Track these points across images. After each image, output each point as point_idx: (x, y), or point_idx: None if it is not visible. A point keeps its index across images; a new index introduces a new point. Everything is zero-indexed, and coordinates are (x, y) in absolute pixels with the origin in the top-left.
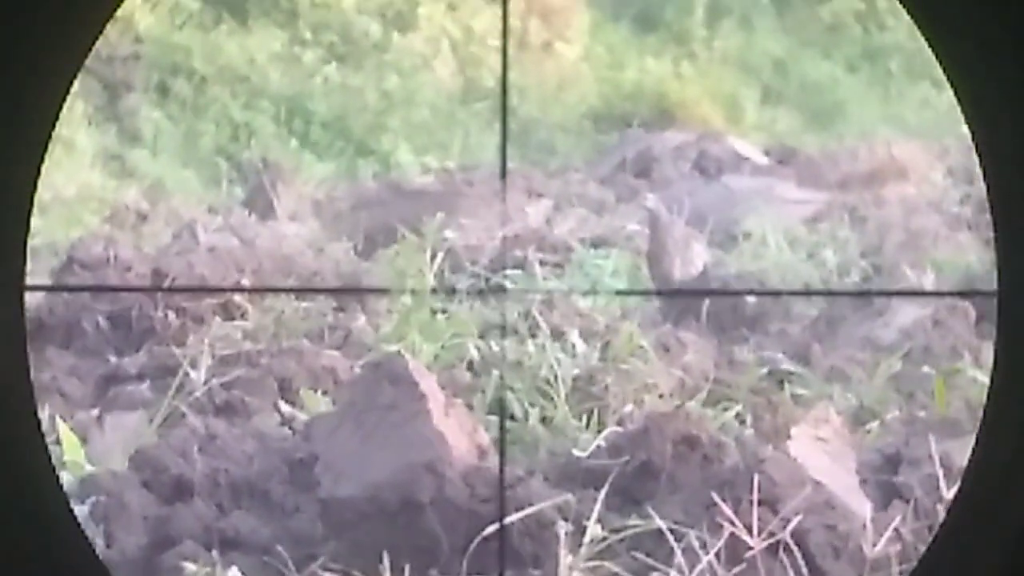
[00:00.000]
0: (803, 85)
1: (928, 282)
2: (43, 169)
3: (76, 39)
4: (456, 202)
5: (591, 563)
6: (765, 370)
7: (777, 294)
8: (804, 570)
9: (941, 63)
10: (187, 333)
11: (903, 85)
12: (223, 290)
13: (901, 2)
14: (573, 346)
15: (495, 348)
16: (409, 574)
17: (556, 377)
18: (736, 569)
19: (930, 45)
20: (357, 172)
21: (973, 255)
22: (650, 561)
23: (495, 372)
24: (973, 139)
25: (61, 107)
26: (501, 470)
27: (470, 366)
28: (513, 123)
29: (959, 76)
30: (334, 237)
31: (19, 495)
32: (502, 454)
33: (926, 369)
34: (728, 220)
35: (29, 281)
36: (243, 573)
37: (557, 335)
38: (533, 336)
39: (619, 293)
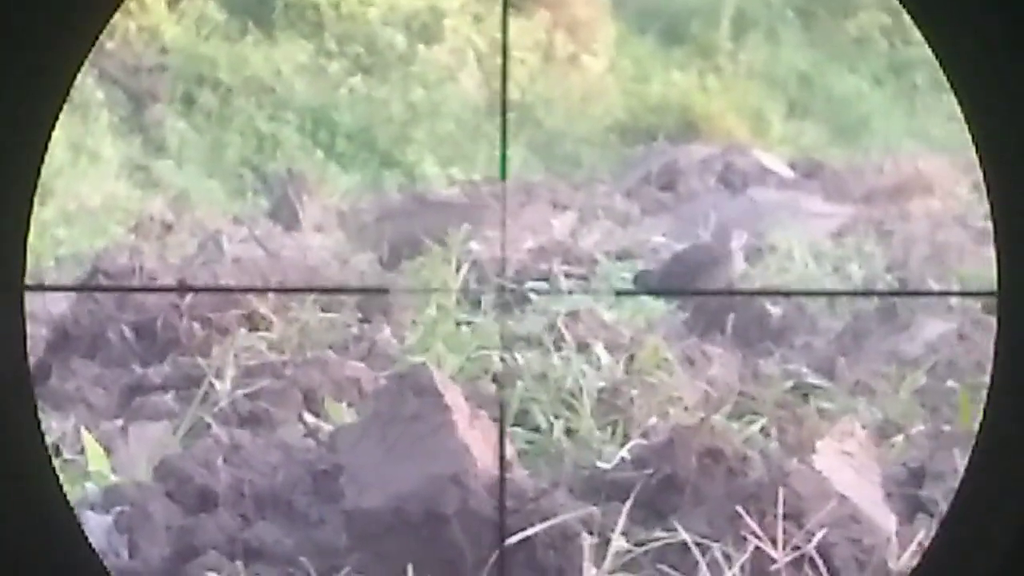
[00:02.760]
0: (829, 98)
1: (953, 297)
2: (42, 170)
3: (77, 39)
4: (481, 214)
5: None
6: (790, 383)
7: (787, 294)
8: None
9: (941, 63)
10: (212, 344)
11: (929, 99)
12: (247, 290)
13: (901, 2)
14: (598, 358)
15: (519, 360)
16: None
17: (581, 389)
18: None
19: (929, 45)
20: (382, 183)
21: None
22: (675, 574)
23: (519, 384)
24: (973, 139)
25: (61, 107)
26: (501, 487)
27: (495, 378)
28: (539, 135)
29: (959, 76)
30: (359, 248)
31: (19, 496)
32: (502, 468)
33: (951, 383)
34: (753, 233)
35: (57, 294)
36: None
37: (582, 347)
38: (558, 348)
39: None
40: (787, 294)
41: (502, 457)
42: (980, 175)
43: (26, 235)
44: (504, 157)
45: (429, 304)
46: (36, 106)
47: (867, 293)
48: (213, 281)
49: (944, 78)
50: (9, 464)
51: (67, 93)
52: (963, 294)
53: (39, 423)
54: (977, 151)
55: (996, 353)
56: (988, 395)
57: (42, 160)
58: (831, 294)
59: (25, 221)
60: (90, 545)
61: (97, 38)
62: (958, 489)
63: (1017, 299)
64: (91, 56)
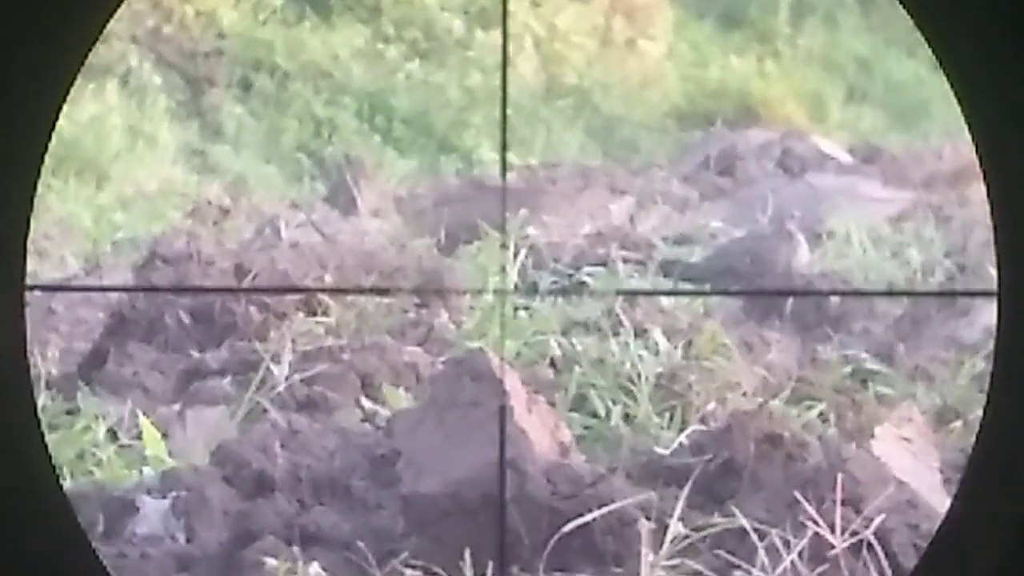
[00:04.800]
0: (888, 84)
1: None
2: (42, 170)
3: (77, 38)
4: (538, 199)
5: (673, 561)
6: (848, 369)
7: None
8: (887, 570)
9: (940, 62)
10: (269, 328)
11: None
12: (307, 289)
13: (900, 2)
14: (656, 344)
15: (578, 345)
16: (491, 571)
17: (639, 375)
18: (819, 568)
19: (929, 44)
20: (439, 169)
21: None
22: (733, 559)
23: (577, 369)
24: (972, 138)
25: (61, 107)
26: (501, 477)
27: (552, 363)
28: (596, 120)
29: (958, 75)
30: (416, 234)
31: (19, 495)
32: (501, 461)
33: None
34: (812, 218)
35: (114, 279)
36: (324, 569)
37: (640, 332)
38: (616, 334)
39: (713, 293)
40: (829, 293)
41: (502, 453)
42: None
43: (26, 235)
44: (504, 155)
45: (487, 289)
46: (36, 106)
47: (889, 293)
48: (270, 266)
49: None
50: (9, 464)
51: (67, 93)
52: (963, 294)
53: (39, 422)
54: (977, 151)
55: (996, 353)
56: (988, 395)
57: (42, 160)
58: (828, 294)
59: (25, 221)
60: (90, 545)
61: (97, 38)
62: (958, 489)
63: (1017, 299)
64: (148, 41)
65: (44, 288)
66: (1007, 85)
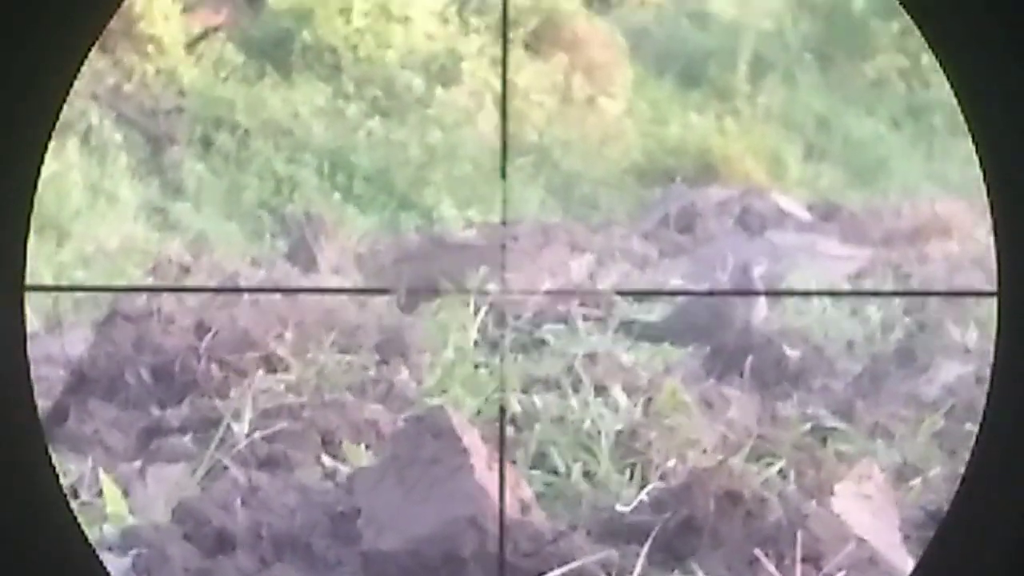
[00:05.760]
0: (846, 141)
1: (971, 340)
2: (42, 170)
3: (76, 40)
4: (499, 256)
5: None
6: (808, 426)
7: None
8: None
9: (941, 63)
10: (230, 386)
11: (947, 142)
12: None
13: (901, 2)
14: (616, 401)
15: (538, 403)
16: None
17: (599, 432)
18: None
19: (930, 46)
20: (400, 226)
21: None
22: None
23: (537, 427)
24: (973, 139)
25: (61, 108)
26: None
27: (513, 420)
28: (556, 177)
29: (958, 76)
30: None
31: (19, 496)
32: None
33: (969, 426)
34: (772, 276)
35: (74, 336)
36: None
37: (600, 390)
38: (576, 391)
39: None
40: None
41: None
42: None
43: (26, 236)
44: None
45: (447, 346)
46: (35, 107)
47: (893, 294)
48: (230, 323)
49: (961, 119)
50: (9, 464)
51: (67, 93)
52: (963, 294)
53: (39, 422)
54: (977, 151)
55: (996, 353)
56: (988, 395)
57: (42, 161)
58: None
59: (25, 222)
60: (90, 545)
61: (97, 37)
62: (958, 489)
63: (1017, 299)
64: (109, 99)
65: (44, 288)
66: (1008, 87)
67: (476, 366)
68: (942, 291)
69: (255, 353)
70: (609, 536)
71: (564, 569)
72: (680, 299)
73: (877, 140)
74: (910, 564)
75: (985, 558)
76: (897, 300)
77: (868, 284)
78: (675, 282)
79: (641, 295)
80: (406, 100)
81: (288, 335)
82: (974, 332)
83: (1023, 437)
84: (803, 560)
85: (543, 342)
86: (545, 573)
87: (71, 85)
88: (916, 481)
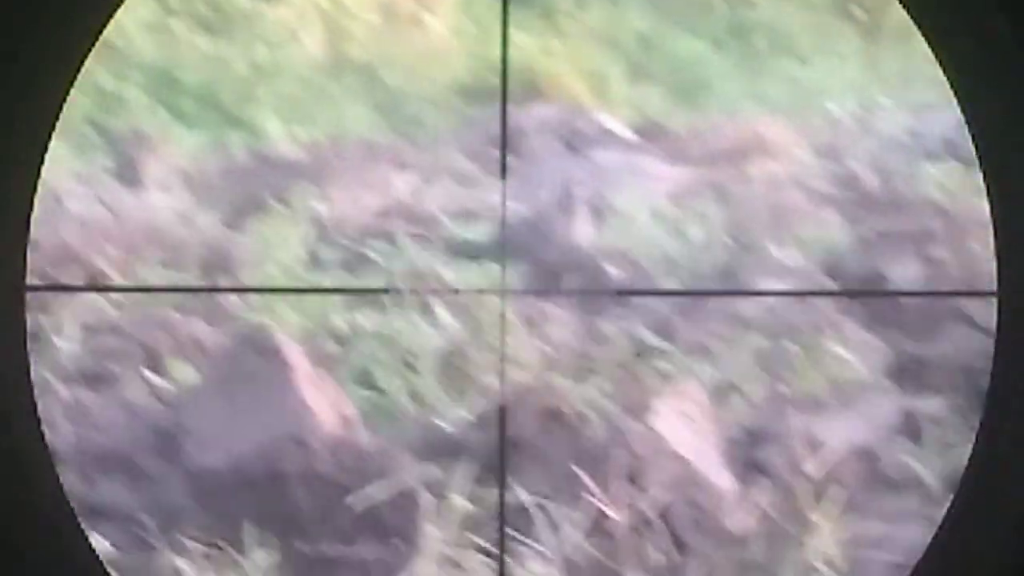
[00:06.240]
0: (670, 61)
1: (792, 259)
2: (42, 170)
3: (76, 38)
4: (324, 174)
5: (455, 535)
6: (629, 344)
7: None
8: (668, 545)
9: (941, 63)
10: (50, 300)
11: (769, 62)
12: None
13: (901, 2)
14: (439, 319)
15: (361, 319)
16: (274, 544)
17: (423, 349)
18: (599, 542)
19: (929, 45)
20: (227, 143)
21: (836, 232)
22: (514, 534)
23: (360, 343)
24: (973, 139)
25: (61, 107)
26: None
27: (336, 337)
28: (383, 95)
29: (958, 76)
30: (203, 208)
31: (19, 494)
32: None
33: (789, 345)
34: (594, 195)
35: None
36: (108, 542)
37: (423, 308)
38: (399, 308)
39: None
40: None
41: None
42: (820, 138)
43: (26, 235)
44: None
45: (271, 262)
46: (36, 106)
47: (879, 293)
48: (54, 238)
49: (790, 45)
50: (9, 464)
51: (67, 92)
52: (963, 294)
53: (39, 422)
54: (977, 151)
55: (996, 353)
56: (988, 395)
57: (42, 160)
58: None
59: (25, 221)
60: (90, 545)
61: (98, 36)
62: (959, 489)
63: (1017, 299)
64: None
65: (44, 288)
66: (1006, 86)
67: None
68: (942, 291)
69: (80, 269)
70: (432, 453)
71: (386, 486)
72: (506, 217)
73: (700, 60)
74: (730, 482)
75: (984, 558)
76: (718, 218)
77: (690, 203)
78: (497, 200)
79: (639, 295)
80: (232, 16)
81: (113, 251)
82: (794, 251)
83: (1023, 437)
84: (623, 478)
85: (367, 259)
86: (367, 490)
87: (71, 85)
88: (736, 399)
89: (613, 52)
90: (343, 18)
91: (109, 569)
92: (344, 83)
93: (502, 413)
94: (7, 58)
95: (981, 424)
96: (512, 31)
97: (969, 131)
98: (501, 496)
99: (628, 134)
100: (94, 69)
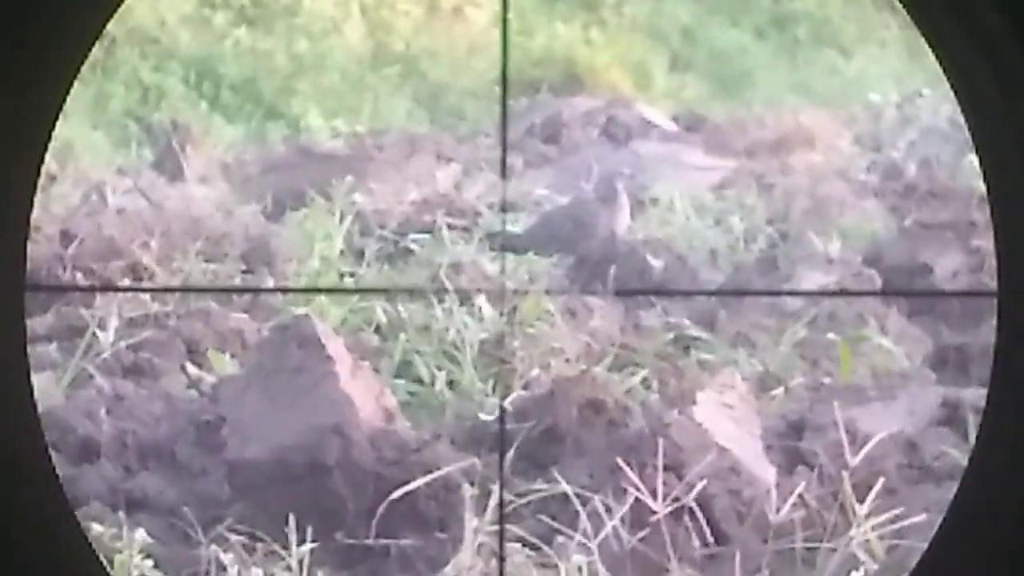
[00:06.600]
0: (711, 52)
1: (834, 250)
2: (43, 170)
3: (77, 38)
4: (365, 166)
5: (496, 526)
6: (671, 335)
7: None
8: (708, 535)
9: (940, 63)
10: (95, 294)
11: (810, 53)
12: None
13: (902, 2)
14: (480, 310)
15: (403, 312)
16: (315, 536)
17: (463, 341)
18: (641, 534)
19: (929, 45)
20: (266, 135)
21: (879, 222)
22: (555, 525)
23: (401, 335)
24: (973, 139)
25: (61, 107)
26: None
27: (377, 329)
28: (423, 87)
29: (959, 77)
30: (243, 200)
31: (19, 494)
32: None
33: (831, 335)
34: (636, 186)
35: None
36: (150, 534)
37: (464, 299)
38: (440, 300)
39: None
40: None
41: None
42: (862, 129)
43: (26, 235)
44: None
45: (312, 255)
46: (36, 106)
47: (885, 293)
48: (96, 232)
49: (832, 36)
50: (9, 464)
51: (67, 91)
52: (964, 294)
53: (39, 422)
54: (977, 151)
55: (996, 353)
56: (988, 395)
57: (42, 160)
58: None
59: (25, 221)
60: (90, 545)
61: (98, 37)
62: (959, 489)
63: (1017, 299)
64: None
65: (44, 288)
66: (1007, 85)
67: (341, 275)
68: (943, 291)
69: (121, 262)
70: (472, 444)
71: (428, 478)
72: (546, 208)
73: (742, 51)
74: (772, 473)
75: (985, 558)
76: (759, 209)
77: (731, 194)
78: (540, 192)
79: (648, 294)
80: (273, 9)
81: (153, 244)
82: (836, 242)
83: (1023, 437)
84: (665, 469)
85: (409, 251)
86: (409, 482)
87: (71, 85)
88: (778, 390)
89: (655, 43)
90: (384, 10)
91: (149, 562)
92: (384, 75)
93: (546, 404)
94: (7, 58)
95: (982, 424)
96: (555, 23)
97: (969, 130)
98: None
99: (669, 125)
100: (135, 62)
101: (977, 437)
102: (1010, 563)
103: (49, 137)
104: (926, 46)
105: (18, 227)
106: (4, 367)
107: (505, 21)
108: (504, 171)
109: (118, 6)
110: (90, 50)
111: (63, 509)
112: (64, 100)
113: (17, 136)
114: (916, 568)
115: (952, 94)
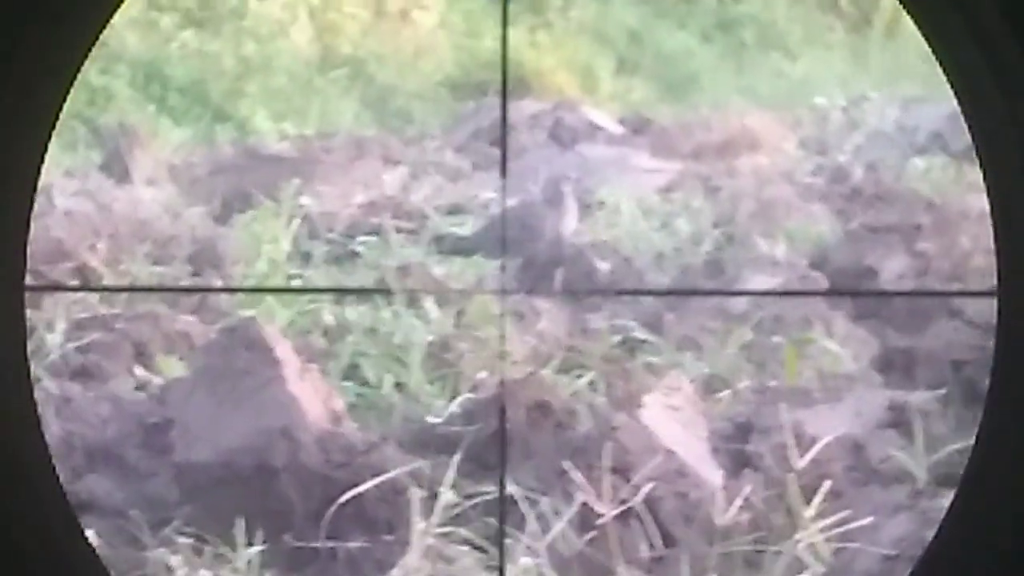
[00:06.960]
0: (658, 55)
1: (780, 252)
2: (43, 170)
3: (77, 37)
4: (312, 169)
5: (444, 528)
6: (618, 338)
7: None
8: (655, 538)
9: (941, 63)
10: (42, 297)
11: (756, 56)
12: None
13: (901, 2)
14: (427, 313)
15: (350, 314)
16: (263, 538)
17: (411, 343)
18: (588, 536)
19: (929, 45)
20: (214, 138)
21: (825, 225)
22: (503, 527)
23: (350, 338)
24: (973, 139)
25: (61, 107)
26: None
27: (325, 332)
28: (370, 90)
29: (959, 77)
30: (191, 202)
31: (19, 496)
32: None
33: (777, 338)
34: (583, 189)
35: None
36: (98, 536)
37: (412, 302)
38: (388, 303)
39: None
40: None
41: None
42: (808, 132)
43: (26, 235)
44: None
45: (260, 257)
46: (36, 106)
47: (883, 293)
48: (44, 234)
49: (777, 39)
50: (9, 464)
51: (67, 91)
52: (964, 294)
53: (39, 422)
54: (977, 151)
55: (996, 353)
56: (988, 395)
57: (42, 159)
58: (815, 293)
59: (25, 221)
60: (90, 545)
61: (98, 37)
62: (958, 489)
63: (1017, 299)
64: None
65: (44, 288)
66: (1006, 84)
67: (289, 278)
68: (941, 291)
69: (69, 264)
70: (420, 447)
71: (375, 481)
72: (492, 211)
73: (688, 54)
74: (718, 476)
75: (985, 558)
76: (706, 212)
77: (678, 197)
78: (487, 195)
79: (636, 293)
80: (220, 12)
81: (101, 246)
82: (782, 245)
83: (1023, 437)
84: (612, 471)
85: (356, 254)
86: (357, 484)
87: (71, 85)
88: (725, 393)
89: (601, 46)
90: (332, 13)
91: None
92: (332, 78)
93: (500, 407)
94: (7, 57)
95: (981, 424)
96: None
97: (968, 131)
98: (501, 491)
99: (616, 128)
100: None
101: (977, 437)
102: (1011, 562)
103: (49, 137)
104: (927, 47)
105: (18, 227)
106: (4, 367)
107: (505, 23)
108: (504, 171)
109: (119, 5)
110: (91, 49)
111: (64, 510)
112: (64, 100)
113: (17, 136)
114: (916, 568)
115: (901, 96)
